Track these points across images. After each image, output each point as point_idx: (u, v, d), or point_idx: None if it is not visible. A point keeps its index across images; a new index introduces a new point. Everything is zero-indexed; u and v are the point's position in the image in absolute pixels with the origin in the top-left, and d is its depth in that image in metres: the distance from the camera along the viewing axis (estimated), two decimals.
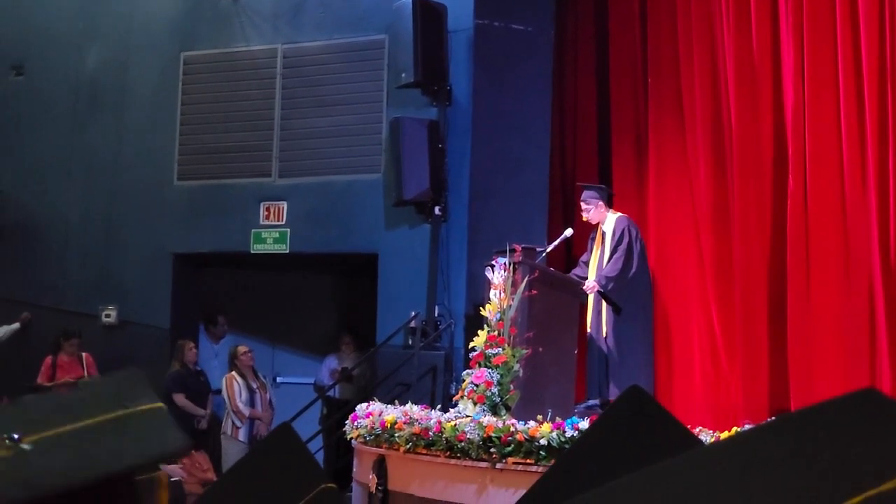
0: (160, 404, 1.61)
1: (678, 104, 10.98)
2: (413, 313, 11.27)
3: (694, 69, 10.80)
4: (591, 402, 9.84)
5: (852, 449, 1.25)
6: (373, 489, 8.91)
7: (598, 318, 9.89)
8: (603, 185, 10.62)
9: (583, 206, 10.11)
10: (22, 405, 1.69)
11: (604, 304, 9.85)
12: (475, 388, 8.67)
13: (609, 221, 10.05)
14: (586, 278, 9.93)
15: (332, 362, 13.19)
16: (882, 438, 1.25)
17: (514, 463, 7.73)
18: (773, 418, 1.40)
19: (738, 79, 10.40)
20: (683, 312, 10.72)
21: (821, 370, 9.56)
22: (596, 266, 10.01)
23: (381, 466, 8.92)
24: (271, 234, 12.50)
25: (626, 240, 9.86)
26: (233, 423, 11.83)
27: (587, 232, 10.38)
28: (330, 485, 2.07)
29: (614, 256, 9.85)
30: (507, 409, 8.56)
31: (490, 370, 8.69)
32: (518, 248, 8.99)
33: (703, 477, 1.29)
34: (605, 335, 9.84)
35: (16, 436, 1.46)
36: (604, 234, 10.07)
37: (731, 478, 1.27)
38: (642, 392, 1.74)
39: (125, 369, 1.72)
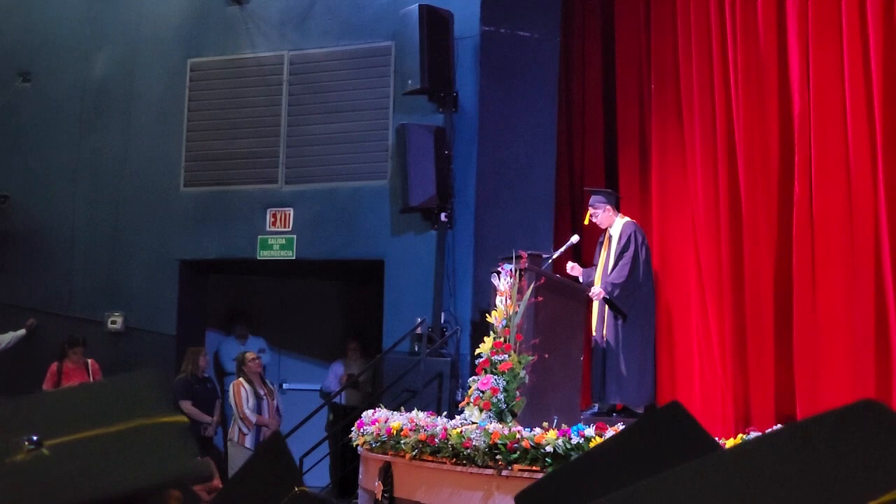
0: (181, 418, 1.59)
1: (683, 111, 10.98)
2: (419, 320, 11.27)
3: (700, 76, 10.80)
4: (596, 408, 9.85)
5: (852, 460, 1.25)
6: (379, 496, 8.90)
7: (601, 324, 9.90)
8: (610, 190, 10.64)
9: (591, 210, 10.15)
10: (42, 401, 1.64)
11: (606, 309, 9.86)
12: (481, 394, 8.67)
13: (616, 225, 10.09)
14: (592, 282, 9.96)
15: (338, 368, 13.19)
16: (881, 450, 1.25)
17: (519, 470, 7.72)
18: (775, 429, 1.40)
19: (743, 85, 10.40)
20: (688, 319, 10.71)
21: (827, 377, 9.54)
22: (602, 269, 10.02)
23: (386, 473, 8.91)
24: (278, 240, 12.50)
25: (632, 246, 9.87)
26: (239, 429, 11.82)
27: (594, 237, 10.40)
28: (302, 488, 2.08)
29: (620, 263, 9.86)
30: (513, 415, 8.55)
31: (496, 377, 8.68)
32: (524, 254, 8.99)
33: (705, 488, 1.29)
34: (605, 340, 9.85)
35: (35, 437, 1.44)
36: (610, 237, 10.10)
37: (731, 492, 1.27)
38: (681, 408, 1.75)
39: (144, 369, 1.67)
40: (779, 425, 7.79)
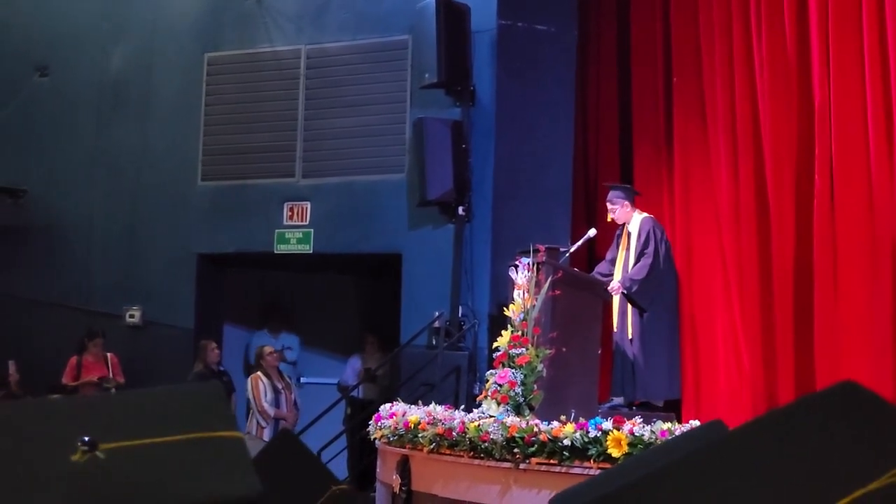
0: (238, 434, 1.55)
1: (703, 104, 10.94)
2: (437, 313, 11.26)
3: (720, 68, 10.75)
4: (616, 401, 9.82)
5: (836, 448, 1.24)
6: (396, 489, 8.89)
7: (624, 319, 9.85)
8: (628, 185, 10.59)
9: (609, 206, 10.09)
10: (100, 402, 1.59)
11: (629, 305, 9.82)
12: (499, 388, 8.65)
13: (635, 221, 10.02)
14: (611, 275, 9.91)
15: (355, 362, 13.20)
16: (863, 435, 1.24)
17: (537, 463, 7.71)
18: (759, 417, 1.39)
19: (764, 77, 10.35)
20: (713, 313, 10.67)
21: (847, 369, 9.49)
22: (622, 266, 9.97)
23: (404, 467, 8.91)
24: (295, 234, 12.51)
25: (652, 243, 9.81)
26: (258, 422, 11.84)
27: (610, 231, 10.35)
28: (341, 486, 2.04)
29: (641, 259, 9.80)
30: (531, 409, 8.53)
31: (514, 370, 8.66)
32: (542, 248, 8.96)
33: (696, 480, 1.28)
34: (630, 336, 9.80)
35: (87, 438, 1.41)
36: (629, 234, 10.04)
37: (716, 484, 1.26)
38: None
39: (207, 383, 1.63)
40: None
